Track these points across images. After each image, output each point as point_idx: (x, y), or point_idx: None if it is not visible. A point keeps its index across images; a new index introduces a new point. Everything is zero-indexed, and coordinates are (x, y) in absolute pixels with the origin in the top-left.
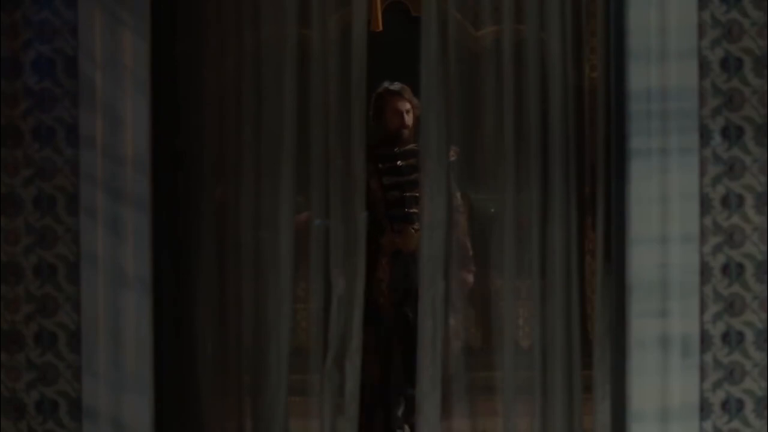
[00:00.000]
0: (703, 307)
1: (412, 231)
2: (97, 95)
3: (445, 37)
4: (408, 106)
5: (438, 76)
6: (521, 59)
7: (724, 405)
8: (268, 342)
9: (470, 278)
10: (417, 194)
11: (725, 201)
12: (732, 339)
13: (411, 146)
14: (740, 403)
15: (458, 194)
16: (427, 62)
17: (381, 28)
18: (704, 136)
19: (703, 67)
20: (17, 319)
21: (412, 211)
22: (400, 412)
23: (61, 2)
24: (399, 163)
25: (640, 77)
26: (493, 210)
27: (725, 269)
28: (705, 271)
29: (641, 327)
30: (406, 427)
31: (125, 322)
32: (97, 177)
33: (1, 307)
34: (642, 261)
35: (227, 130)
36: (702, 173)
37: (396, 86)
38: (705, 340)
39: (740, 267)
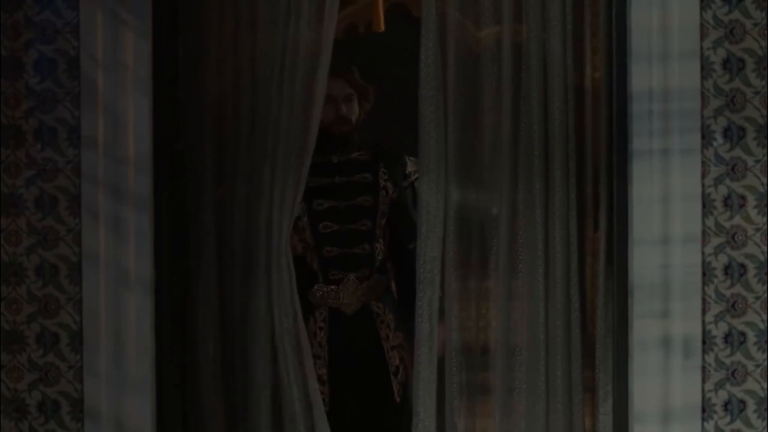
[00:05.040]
0: (705, 308)
1: (356, 283)
2: (98, 96)
3: (445, 37)
4: (348, 90)
5: (437, 77)
6: (522, 60)
7: (726, 406)
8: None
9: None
10: (364, 227)
11: (727, 202)
12: (734, 340)
13: (358, 154)
14: (742, 404)
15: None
16: (426, 62)
17: (383, 28)
18: (706, 136)
19: (705, 67)
20: (19, 320)
21: (354, 251)
22: None
23: (62, 3)
24: (337, 179)
25: (642, 78)
26: (495, 210)
27: (727, 270)
28: (707, 272)
29: (643, 328)
30: None
31: (127, 322)
32: (99, 177)
33: (2, 308)
34: (644, 262)
35: (228, 130)
36: (704, 174)
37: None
38: (707, 340)
39: (742, 268)
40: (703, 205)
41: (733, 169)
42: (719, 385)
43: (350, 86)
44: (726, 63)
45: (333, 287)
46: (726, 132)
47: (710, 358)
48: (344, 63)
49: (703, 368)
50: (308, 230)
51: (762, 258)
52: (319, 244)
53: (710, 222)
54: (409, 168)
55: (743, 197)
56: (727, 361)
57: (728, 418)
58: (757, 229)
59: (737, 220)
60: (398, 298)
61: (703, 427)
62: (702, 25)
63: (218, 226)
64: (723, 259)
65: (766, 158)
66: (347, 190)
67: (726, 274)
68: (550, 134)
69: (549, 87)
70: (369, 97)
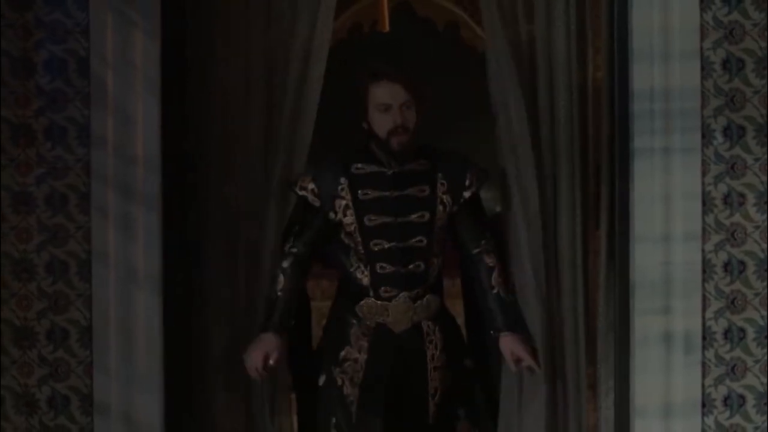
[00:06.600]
0: (705, 305)
1: (408, 302)
2: (108, 95)
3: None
4: (405, 97)
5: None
6: (526, 59)
7: (726, 401)
8: None
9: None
10: (419, 244)
11: (727, 200)
12: (734, 335)
13: (415, 164)
14: (742, 399)
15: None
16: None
17: (388, 28)
18: (706, 135)
19: (705, 67)
20: (30, 316)
21: (408, 269)
22: None
23: (72, 3)
24: (391, 193)
25: (643, 77)
26: (498, 209)
27: (727, 267)
28: (707, 269)
29: (644, 324)
30: None
31: (136, 319)
32: (108, 176)
33: (13, 304)
34: (645, 259)
35: (236, 130)
36: (704, 172)
37: (385, 66)
38: (707, 336)
39: (742, 264)
40: (704, 203)
41: (732, 167)
42: (719, 381)
43: (408, 92)
44: (726, 63)
45: (381, 303)
46: (726, 131)
47: (710, 354)
48: (399, 67)
49: (704, 364)
50: (360, 246)
51: (761, 255)
52: (371, 261)
53: (710, 220)
54: (469, 179)
55: (743, 195)
56: (727, 356)
57: (728, 413)
58: (757, 227)
59: (737, 217)
60: (466, 313)
61: (703, 421)
62: (702, 26)
63: (225, 225)
64: (723, 256)
65: (765, 157)
66: (402, 205)
67: (726, 271)
68: (555, 132)
69: (554, 86)
70: (428, 101)
